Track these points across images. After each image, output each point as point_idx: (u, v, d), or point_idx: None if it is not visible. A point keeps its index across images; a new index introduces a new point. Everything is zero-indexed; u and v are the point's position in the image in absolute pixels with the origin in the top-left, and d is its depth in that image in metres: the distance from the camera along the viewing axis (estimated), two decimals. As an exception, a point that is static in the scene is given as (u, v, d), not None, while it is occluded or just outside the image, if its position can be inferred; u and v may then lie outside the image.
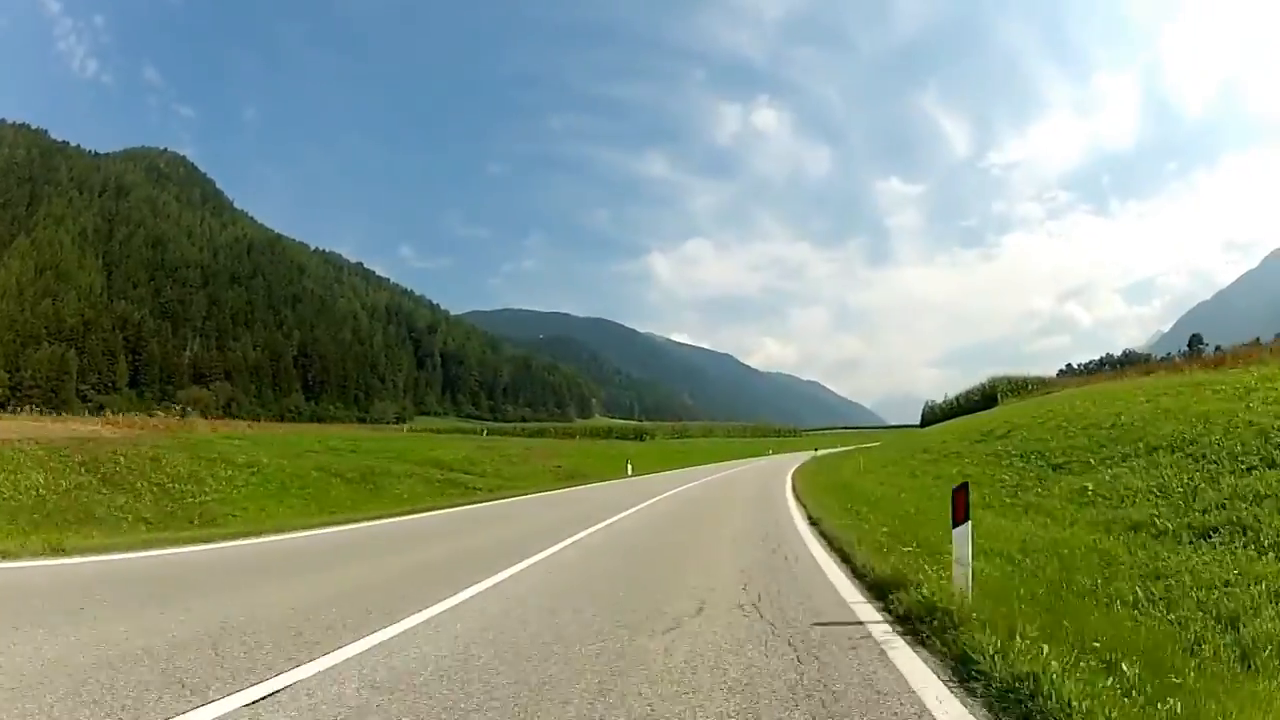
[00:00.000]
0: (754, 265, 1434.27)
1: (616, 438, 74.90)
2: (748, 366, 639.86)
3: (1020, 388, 38.09)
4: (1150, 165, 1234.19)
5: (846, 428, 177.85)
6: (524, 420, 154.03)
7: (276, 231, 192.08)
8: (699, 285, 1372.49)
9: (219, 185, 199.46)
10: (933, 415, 52.67)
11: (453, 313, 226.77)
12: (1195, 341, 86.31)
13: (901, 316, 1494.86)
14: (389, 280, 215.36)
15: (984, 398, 40.01)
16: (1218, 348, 38.08)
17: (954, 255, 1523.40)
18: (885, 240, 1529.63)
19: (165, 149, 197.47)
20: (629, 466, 34.39)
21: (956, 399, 47.48)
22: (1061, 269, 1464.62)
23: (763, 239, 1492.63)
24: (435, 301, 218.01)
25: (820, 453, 51.59)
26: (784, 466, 34.46)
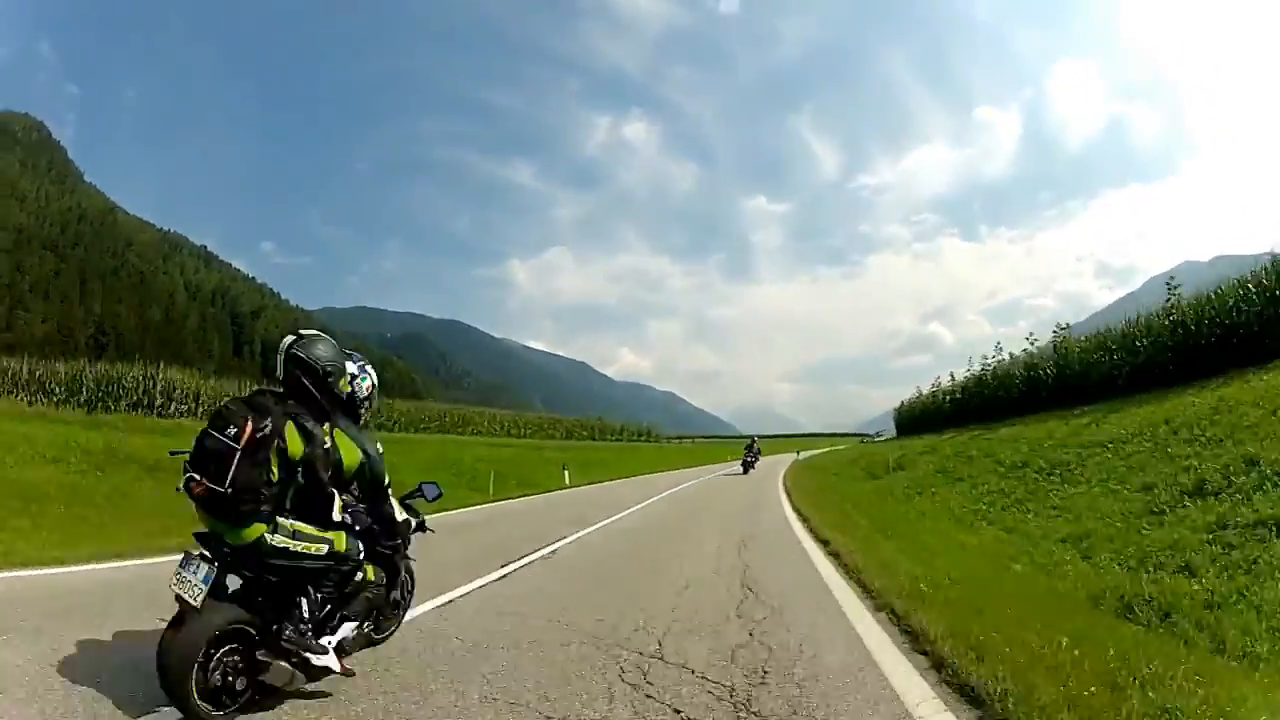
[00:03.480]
0: (614, 276, 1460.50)
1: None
2: (602, 375, 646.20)
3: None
4: (1024, 195, 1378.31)
5: (703, 436, 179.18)
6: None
7: (114, 203, 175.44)
8: (558, 294, 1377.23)
9: (70, 155, 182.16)
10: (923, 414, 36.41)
11: (306, 308, 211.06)
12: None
13: (760, 331, 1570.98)
14: (231, 265, 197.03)
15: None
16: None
17: (816, 273, 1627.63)
18: (747, 256, 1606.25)
19: (26, 113, 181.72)
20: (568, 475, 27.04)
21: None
22: (926, 289, 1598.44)
23: (624, 251, 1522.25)
24: (278, 291, 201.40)
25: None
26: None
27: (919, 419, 36.73)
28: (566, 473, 27.24)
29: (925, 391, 37.47)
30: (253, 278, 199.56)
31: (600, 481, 28.61)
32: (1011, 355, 25.99)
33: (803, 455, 56.83)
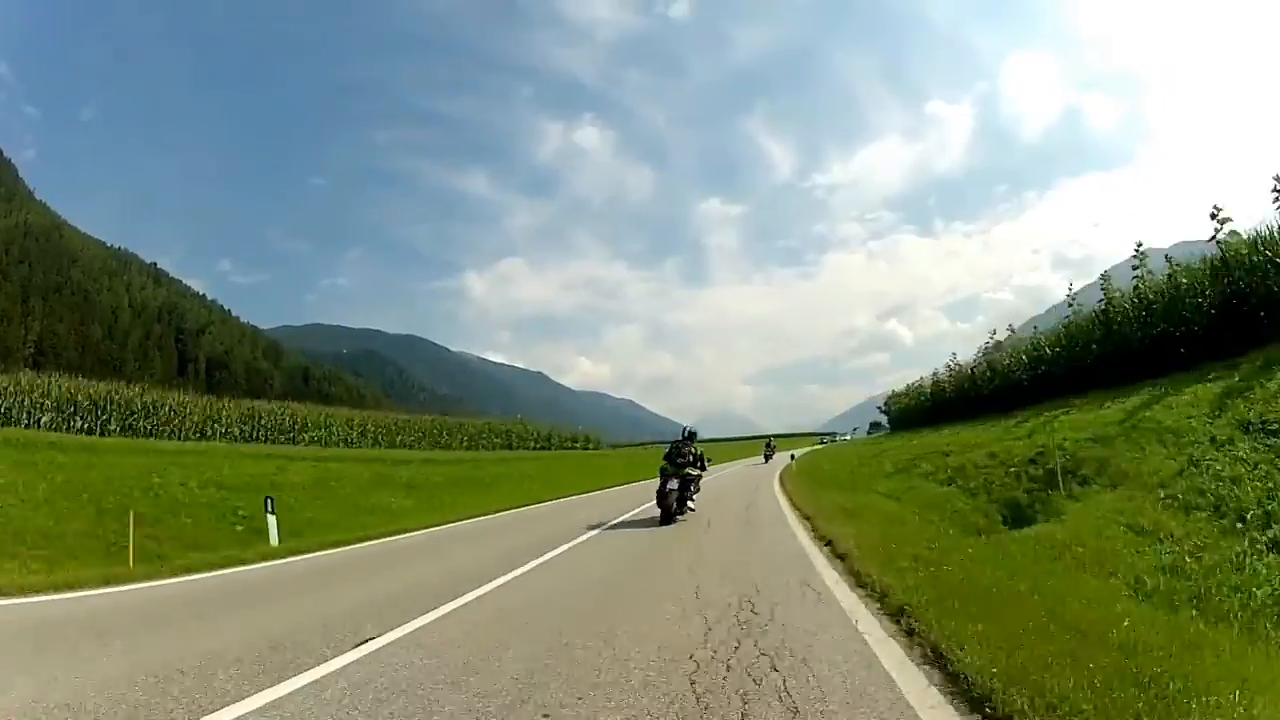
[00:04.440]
0: (569, 284, 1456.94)
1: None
2: (560, 384, 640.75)
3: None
4: (979, 188, 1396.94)
5: (659, 442, 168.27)
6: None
7: (62, 220, 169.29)
8: (515, 304, 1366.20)
9: (21, 174, 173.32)
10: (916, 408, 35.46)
11: (260, 325, 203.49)
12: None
13: (717, 335, 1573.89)
14: (181, 283, 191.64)
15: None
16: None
17: (772, 274, 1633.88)
18: (703, 260, 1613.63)
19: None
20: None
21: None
22: (882, 287, 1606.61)
23: (580, 258, 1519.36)
24: (229, 309, 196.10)
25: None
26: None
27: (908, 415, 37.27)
28: (272, 521, 13.83)
29: (915, 384, 36.95)
30: (203, 295, 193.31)
31: (398, 533, 14.96)
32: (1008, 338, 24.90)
33: (798, 456, 43.73)
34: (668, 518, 13.30)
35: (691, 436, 14.71)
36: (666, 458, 14.10)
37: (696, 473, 14.37)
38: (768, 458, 48.45)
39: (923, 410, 32.89)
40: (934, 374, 32.54)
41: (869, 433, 60.69)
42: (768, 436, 54.51)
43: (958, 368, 28.70)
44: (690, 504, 14.05)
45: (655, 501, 14.18)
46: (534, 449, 60.08)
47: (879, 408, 49.36)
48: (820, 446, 67.34)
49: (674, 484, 13.50)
